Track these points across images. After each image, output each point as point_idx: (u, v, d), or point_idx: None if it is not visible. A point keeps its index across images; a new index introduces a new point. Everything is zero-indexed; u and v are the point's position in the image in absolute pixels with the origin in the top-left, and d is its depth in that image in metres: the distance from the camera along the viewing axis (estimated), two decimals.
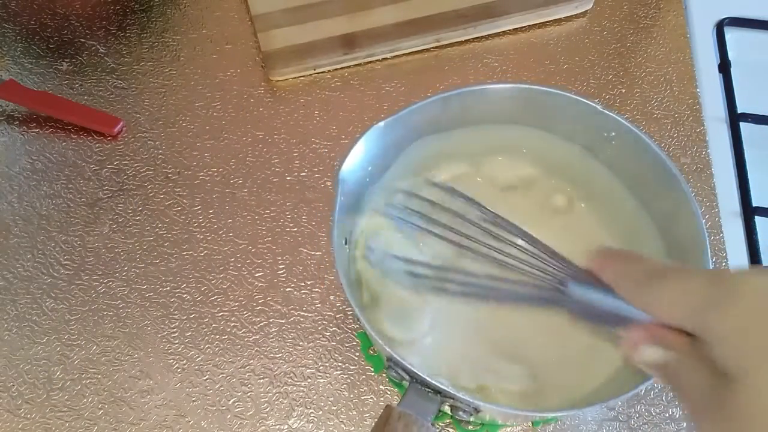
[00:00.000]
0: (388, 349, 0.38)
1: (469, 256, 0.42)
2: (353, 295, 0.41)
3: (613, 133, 0.45)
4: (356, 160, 0.43)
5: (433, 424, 0.38)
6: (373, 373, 0.49)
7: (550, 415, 0.46)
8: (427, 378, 0.37)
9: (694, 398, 0.29)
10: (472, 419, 0.46)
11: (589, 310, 0.35)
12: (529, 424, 0.47)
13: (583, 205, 0.49)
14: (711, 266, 0.41)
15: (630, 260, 0.33)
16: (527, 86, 0.46)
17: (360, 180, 0.44)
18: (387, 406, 0.38)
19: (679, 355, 0.29)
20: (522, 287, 0.40)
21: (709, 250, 0.41)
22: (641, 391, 0.48)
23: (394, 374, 0.40)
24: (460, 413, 0.39)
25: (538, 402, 0.43)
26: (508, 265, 0.41)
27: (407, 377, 0.39)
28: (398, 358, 0.38)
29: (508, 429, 0.48)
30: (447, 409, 0.41)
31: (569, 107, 0.46)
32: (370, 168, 0.45)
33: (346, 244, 0.44)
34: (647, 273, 0.31)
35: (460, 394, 0.37)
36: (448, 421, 0.47)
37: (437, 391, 0.38)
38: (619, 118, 0.45)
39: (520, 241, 0.41)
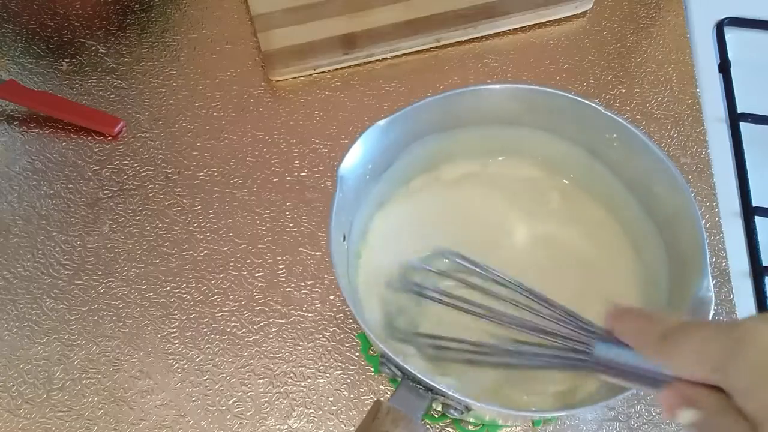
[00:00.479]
0: (381, 345, 0.38)
1: (492, 322, 0.43)
2: (349, 292, 0.41)
3: (615, 135, 0.45)
4: (356, 157, 0.43)
5: (423, 421, 0.38)
6: (373, 373, 0.49)
7: (549, 415, 0.46)
8: (419, 375, 0.37)
9: None
10: (471, 419, 0.46)
11: (616, 369, 0.35)
12: (530, 423, 0.47)
13: (584, 204, 0.49)
14: (709, 267, 0.41)
15: (645, 319, 0.34)
16: (528, 87, 0.46)
17: (360, 177, 0.44)
18: (376, 401, 0.38)
19: (713, 412, 0.30)
20: (547, 351, 0.41)
21: (707, 252, 0.41)
22: (641, 390, 0.48)
23: (388, 370, 0.40)
24: (451, 411, 0.39)
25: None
26: (531, 331, 0.41)
27: (399, 373, 0.39)
28: (391, 354, 0.38)
29: (508, 429, 0.48)
30: (439, 407, 0.41)
31: (571, 108, 0.46)
32: (370, 166, 0.45)
33: (344, 240, 0.44)
34: (664, 331, 0.31)
35: (450, 392, 0.37)
36: (448, 420, 0.47)
37: (428, 388, 0.38)
38: (620, 119, 0.45)
39: (540, 306, 0.41)
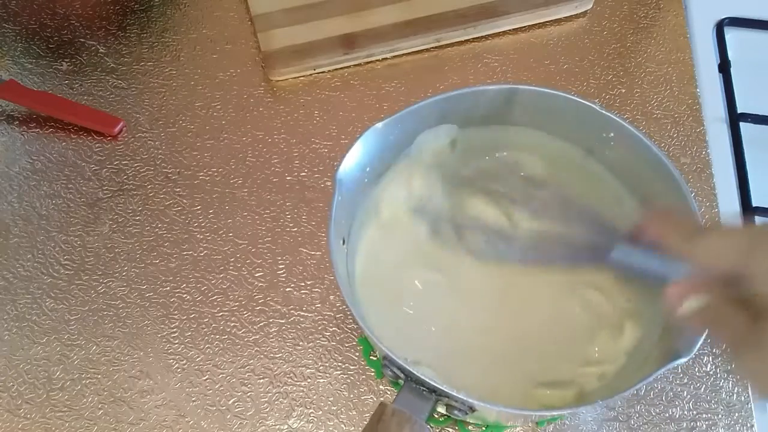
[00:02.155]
0: (383, 347, 0.38)
1: (515, 213, 0.44)
2: (350, 295, 0.41)
3: (612, 134, 0.45)
4: (354, 160, 0.43)
5: (427, 423, 0.38)
6: (373, 373, 0.49)
7: (548, 414, 0.46)
8: (422, 376, 0.37)
9: (734, 336, 0.32)
10: (471, 420, 0.46)
11: (632, 269, 0.38)
12: (530, 424, 0.47)
13: (583, 204, 0.49)
14: None
15: (681, 219, 0.37)
16: (526, 87, 0.46)
17: (358, 180, 0.44)
18: (381, 403, 0.38)
19: (718, 300, 0.32)
20: (566, 246, 0.42)
21: None
22: (641, 390, 0.48)
23: (390, 373, 0.40)
24: (456, 412, 0.39)
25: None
26: (556, 222, 0.43)
27: (402, 375, 0.39)
28: (393, 357, 0.38)
29: (510, 429, 0.48)
30: (443, 408, 0.41)
31: (568, 108, 0.46)
32: (368, 169, 0.45)
33: (344, 244, 0.44)
34: (694, 227, 0.35)
35: (454, 393, 0.37)
36: (451, 422, 0.47)
37: (432, 390, 0.38)
38: (618, 119, 0.45)
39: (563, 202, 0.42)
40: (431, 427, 0.47)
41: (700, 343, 0.37)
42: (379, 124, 0.44)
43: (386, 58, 0.61)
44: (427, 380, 0.37)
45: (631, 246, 0.39)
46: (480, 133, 0.48)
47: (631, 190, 0.47)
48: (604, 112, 0.45)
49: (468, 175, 0.48)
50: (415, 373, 0.38)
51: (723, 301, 0.32)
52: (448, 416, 0.46)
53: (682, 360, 0.37)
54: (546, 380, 0.44)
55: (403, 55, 0.61)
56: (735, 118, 0.58)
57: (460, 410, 0.39)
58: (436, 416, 0.47)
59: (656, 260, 0.37)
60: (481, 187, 0.47)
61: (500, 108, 0.47)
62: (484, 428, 0.47)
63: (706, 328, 0.35)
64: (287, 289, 0.52)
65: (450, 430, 0.47)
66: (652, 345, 0.42)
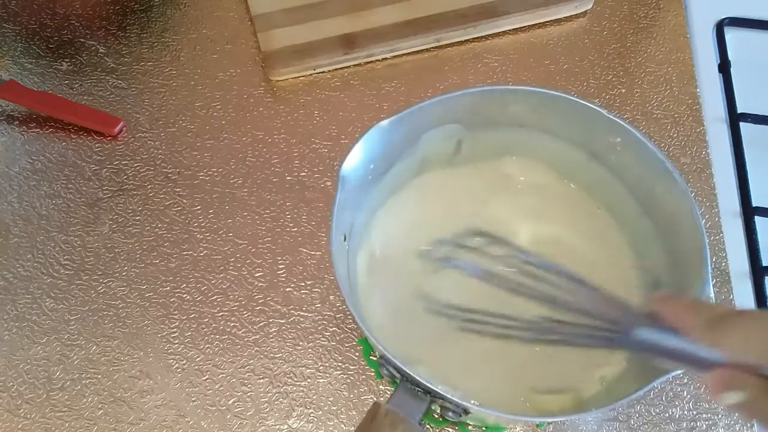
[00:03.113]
0: (380, 347, 0.38)
1: (524, 298, 0.42)
2: (349, 293, 0.41)
3: (619, 139, 0.45)
4: (358, 158, 0.43)
5: (420, 423, 0.38)
6: (372, 373, 0.49)
7: (545, 420, 0.45)
8: (417, 377, 0.37)
9: None
10: (470, 421, 0.46)
11: (660, 350, 0.36)
12: (529, 424, 0.47)
13: (586, 207, 0.49)
14: (710, 269, 0.41)
15: (691, 305, 0.35)
16: (532, 89, 0.46)
17: (362, 177, 0.44)
18: (375, 402, 0.38)
19: (756, 392, 0.31)
20: (581, 330, 0.41)
21: (708, 258, 0.41)
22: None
23: (386, 372, 0.40)
24: (450, 414, 0.39)
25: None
26: (565, 309, 0.41)
27: (398, 375, 0.39)
28: (390, 356, 0.38)
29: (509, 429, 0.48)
30: (438, 410, 0.41)
31: (575, 111, 0.46)
32: (372, 166, 0.45)
33: (345, 240, 0.44)
34: (711, 318, 0.33)
35: (448, 395, 0.37)
36: (452, 422, 0.47)
37: (427, 391, 0.38)
38: (626, 124, 0.44)
39: (576, 285, 0.41)
40: (431, 427, 0.47)
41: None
42: (385, 122, 0.44)
43: (386, 58, 0.61)
44: (422, 381, 0.37)
45: (652, 328, 0.36)
46: (486, 134, 0.48)
47: (634, 195, 0.46)
48: (611, 116, 0.44)
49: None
50: (410, 373, 0.38)
51: (761, 392, 0.31)
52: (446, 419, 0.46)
53: (670, 375, 0.37)
54: (545, 386, 0.43)
55: (403, 55, 0.61)
56: (735, 118, 0.58)
57: (454, 412, 0.39)
58: (435, 416, 0.47)
59: (680, 343, 0.35)
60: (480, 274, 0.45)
61: (506, 109, 0.47)
62: (483, 429, 0.47)
63: (752, 419, 0.34)
64: (287, 289, 0.52)
65: (450, 430, 0.47)
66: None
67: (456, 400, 0.37)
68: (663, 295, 0.37)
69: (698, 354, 0.34)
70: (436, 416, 0.47)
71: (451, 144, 0.48)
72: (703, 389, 0.48)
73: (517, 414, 0.42)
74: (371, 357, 0.49)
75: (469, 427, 0.47)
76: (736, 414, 0.47)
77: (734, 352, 0.32)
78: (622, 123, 0.44)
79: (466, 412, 0.39)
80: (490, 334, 0.43)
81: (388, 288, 0.47)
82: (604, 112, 0.45)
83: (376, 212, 0.49)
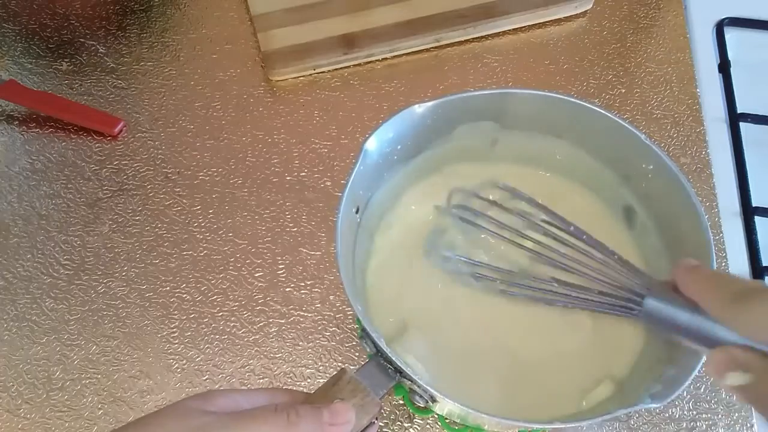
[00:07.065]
0: (363, 321, 0.38)
1: (537, 259, 0.42)
2: (346, 268, 0.40)
3: (651, 166, 0.44)
4: (385, 136, 0.43)
5: (381, 399, 0.38)
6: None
7: (531, 426, 0.43)
8: (391, 355, 0.37)
9: None
10: (457, 417, 0.45)
11: (663, 323, 0.36)
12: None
13: (598, 214, 0.49)
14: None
15: (716, 277, 0.34)
16: (578, 102, 0.45)
17: (386, 156, 0.44)
18: (342, 368, 0.38)
19: (763, 378, 0.31)
20: (592, 295, 0.40)
21: (714, 264, 0.40)
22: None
23: (365, 345, 0.40)
24: (417, 398, 0.39)
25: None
26: (580, 272, 0.41)
27: (374, 349, 0.39)
28: (369, 330, 0.38)
29: None
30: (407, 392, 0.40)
31: (612, 132, 0.45)
32: (399, 147, 0.44)
33: (357, 213, 0.43)
34: (736, 292, 0.32)
35: (416, 378, 0.37)
36: (434, 416, 0.47)
37: (398, 370, 0.38)
38: (659, 152, 0.43)
39: (591, 249, 0.41)
40: (419, 419, 0.47)
41: (678, 392, 0.36)
42: (419, 108, 0.43)
43: (386, 58, 0.61)
44: (396, 360, 0.37)
45: (664, 300, 0.36)
46: (521, 138, 0.47)
47: (658, 226, 0.45)
48: (648, 143, 0.43)
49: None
50: (385, 350, 0.38)
51: (766, 375, 0.31)
52: (439, 415, 0.46)
53: (654, 405, 0.36)
54: (592, 380, 0.43)
55: (403, 55, 0.61)
56: (735, 118, 0.58)
57: (421, 397, 0.39)
58: (421, 406, 0.45)
59: (691, 317, 0.34)
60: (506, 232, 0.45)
61: (545, 116, 0.46)
62: (463, 426, 0.46)
63: (751, 403, 0.32)
64: (287, 289, 0.52)
65: (437, 425, 0.47)
66: (659, 347, 0.41)
67: (423, 385, 0.37)
68: (689, 263, 0.35)
69: (709, 332, 0.33)
70: (420, 406, 0.45)
71: (487, 141, 0.48)
72: (703, 389, 0.48)
73: (501, 417, 0.39)
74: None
75: (455, 426, 0.47)
76: (735, 415, 0.48)
77: (755, 328, 0.31)
78: (657, 150, 0.43)
79: (433, 399, 0.39)
80: (498, 289, 0.43)
81: (403, 269, 0.46)
82: (642, 137, 0.43)
83: (401, 197, 0.48)
